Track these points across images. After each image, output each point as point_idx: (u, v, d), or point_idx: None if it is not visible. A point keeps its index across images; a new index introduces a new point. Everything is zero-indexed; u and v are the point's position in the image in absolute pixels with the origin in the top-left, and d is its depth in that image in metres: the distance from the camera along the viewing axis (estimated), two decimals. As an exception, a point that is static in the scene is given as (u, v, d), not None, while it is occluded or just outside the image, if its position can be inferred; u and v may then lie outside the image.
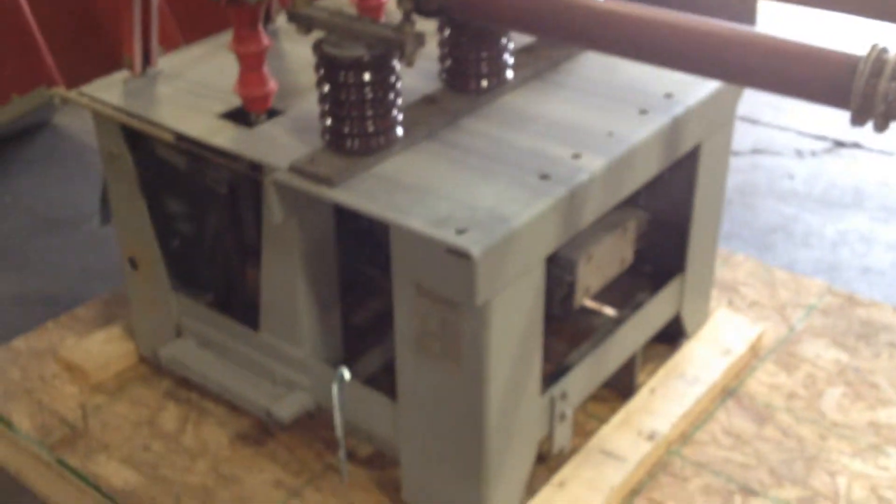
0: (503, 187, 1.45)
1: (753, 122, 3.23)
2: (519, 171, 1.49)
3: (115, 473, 1.72)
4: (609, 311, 1.89)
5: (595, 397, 1.79)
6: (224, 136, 1.59)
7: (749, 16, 1.57)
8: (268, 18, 1.95)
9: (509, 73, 1.69)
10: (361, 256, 1.84)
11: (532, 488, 1.61)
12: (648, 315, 1.81)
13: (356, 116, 1.49)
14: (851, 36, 1.29)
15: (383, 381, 1.70)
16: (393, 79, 1.49)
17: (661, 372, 1.86)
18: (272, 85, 1.61)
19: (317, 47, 1.48)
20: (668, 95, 1.68)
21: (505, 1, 1.45)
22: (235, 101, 1.65)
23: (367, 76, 1.46)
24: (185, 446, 1.77)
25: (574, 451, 1.69)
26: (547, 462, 1.67)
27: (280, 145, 1.56)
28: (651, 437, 1.71)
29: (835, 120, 3.19)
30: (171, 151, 1.72)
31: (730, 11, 1.43)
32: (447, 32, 1.65)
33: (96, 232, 2.17)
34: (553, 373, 1.64)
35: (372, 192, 1.44)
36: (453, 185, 1.45)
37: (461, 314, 1.40)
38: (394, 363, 1.56)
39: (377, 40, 1.45)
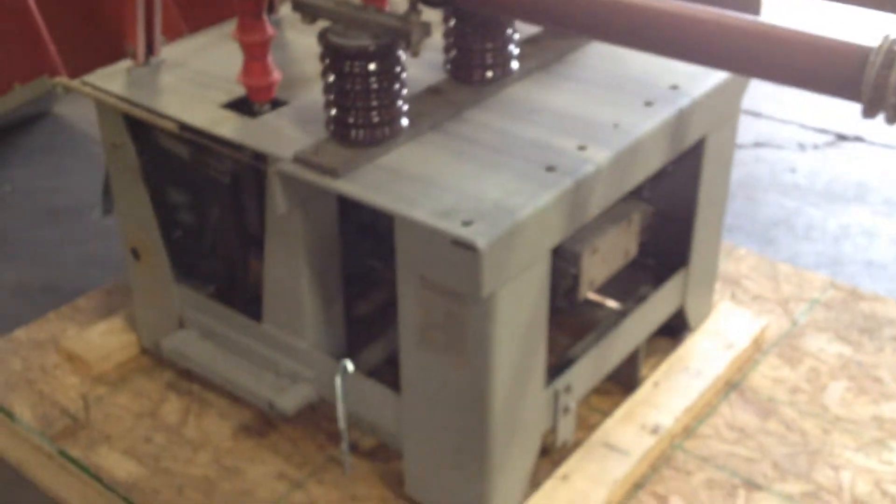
0: (508, 179, 1.44)
1: (755, 114, 3.22)
2: (524, 162, 1.48)
3: (117, 465, 1.72)
4: (611, 303, 1.88)
5: (598, 390, 1.79)
6: (228, 126, 1.58)
7: (754, 5, 1.57)
8: (271, 8, 1.94)
9: (514, 64, 1.68)
10: (363, 248, 1.83)
11: (535, 481, 1.61)
12: (652, 308, 1.81)
13: (361, 107, 1.48)
14: (861, 27, 1.28)
15: (386, 373, 1.69)
16: (398, 69, 1.48)
17: (665, 365, 1.86)
18: (276, 75, 1.60)
19: (322, 36, 1.47)
20: (674, 87, 1.67)
21: (511, -10, 1.44)
22: (238, 91, 1.64)
23: (372, 66, 1.45)
24: (188, 438, 1.77)
25: (577, 444, 1.68)
26: (550, 455, 1.67)
27: (284, 135, 1.55)
28: (654, 430, 1.71)
29: (837, 113, 3.19)
30: (174, 141, 1.71)
31: (735, 1, 1.42)
32: (452, 23, 1.64)
33: (97, 222, 2.16)
34: (557, 366, 1.63)
35: (377, 183, 1.44)
36: (458, 176, 1.45)
37: (466, 306, 1.40)
38: (397, 355, 1.55)
39: (383, 29, 1.44)
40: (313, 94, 1.63)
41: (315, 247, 1.62)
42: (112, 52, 1.93)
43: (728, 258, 2.22)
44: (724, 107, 1.76)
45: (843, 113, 3.21)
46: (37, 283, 2.49)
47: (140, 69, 1.75)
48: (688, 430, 1.77)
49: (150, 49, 1.76)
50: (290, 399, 1.67)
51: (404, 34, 1.43)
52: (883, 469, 1.70)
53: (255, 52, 1.58)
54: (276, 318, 1.70)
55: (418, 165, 1.47)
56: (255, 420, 1.80)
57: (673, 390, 1.80)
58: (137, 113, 1.65)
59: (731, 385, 1.88)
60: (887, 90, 1.12)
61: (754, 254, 2.27)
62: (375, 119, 1.49)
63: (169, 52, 1.82)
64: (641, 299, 1.79)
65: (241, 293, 1.79)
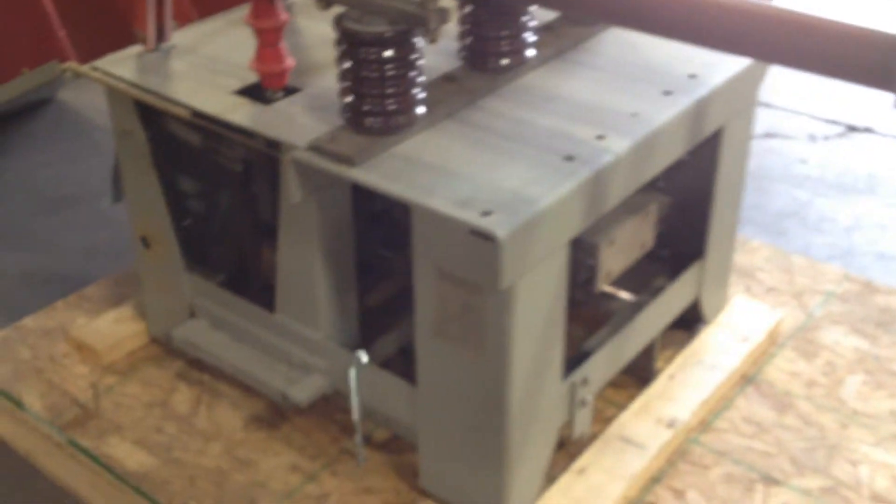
0: (527, 168, 1.42)
1: (766, 105, 3.19)
2: (542, 151, 1.46)
3: (128, 455, 1.70)
4: (625, 295, 1.86)
5: (613, 383, 1.77)
6: (241, 113, 1.55)
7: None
8: (283, -7, 1.91)
9: (530, 52, 1.66)
10: (376, 238, 1.81)
11: (550, 475, 1.59)
12: (668, 300, 1.79)
13: (377, 94, 1.45)
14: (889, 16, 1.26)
15: (399, 364, 1.67)
16: (415, 56, 1.46)
17: (680, 358, 1.84)
18: (290, 61, 1.58)
19: (338, 22, 1.44)
20: (692, 76, 1.65)
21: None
22: (250, 78, 1.61)
23: (389, 52, 1.43)
24: (199, 428, 1.75)
25: (593, 437, 1.67)
26: (565, 448, 1.65)
27: (298, 123, 1.52)
28: (671, 424, 1.69)
29: (847, 104, 3.17)
30: (185, 128, 1.69)
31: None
32: (468, 9, 1.61)
33: (103, 210, 2.13)
34: (574, 358, 1.61)
35: (393, 171, 1.41)
36: (476, 165, 1.42)
37: (484, 298, 1.38)
38: (410, 346, 1.53)
39: (400, 15, 1.41)
40: (326, 81, 1.61)
41: (329, 236, 1.60)
42: (119, 37, 1.90)
43: (742, 250, 2.20)
44: (742, 96, 1.74)
45: (854, 104, 3.20)
46: (42, 271, 2.47)
47: (150, 55, 1.73)
48: (704, 424, 1.75)
49: (161, 34, 1.73)
50: (304, 390, 1.65)
51: (421, 20, 1.40)
52: (901, 464, 1.69)
53: (269, 37, 1.55)
54: (289, 308, 1.68)
55: (434, 154, 1.45)
56: (266, 411, 1.78)
57: (688, 384, 1.78)
58: (149, 99, 1.63)
59: (747, 379, 1.86)
60: (920, 80, 1.10)
61: (768, 246, 2.25)
62: (391, 107, 1.46)
63: (179, 37, 1.79)
64: (657, 291, 1.77)
65: (252, 283, 1.77)
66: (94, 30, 2.65)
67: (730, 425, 1.76)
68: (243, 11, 1.61)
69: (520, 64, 1.64)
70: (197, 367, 1.88)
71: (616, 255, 1.62)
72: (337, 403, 1.71)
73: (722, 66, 1.66)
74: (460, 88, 1.59)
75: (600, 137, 1.49)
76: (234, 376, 1.76)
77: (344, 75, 1.47)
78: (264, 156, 1.59)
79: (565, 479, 1.59)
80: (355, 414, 1.57)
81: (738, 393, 1.83)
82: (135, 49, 1.74)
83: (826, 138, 3.05)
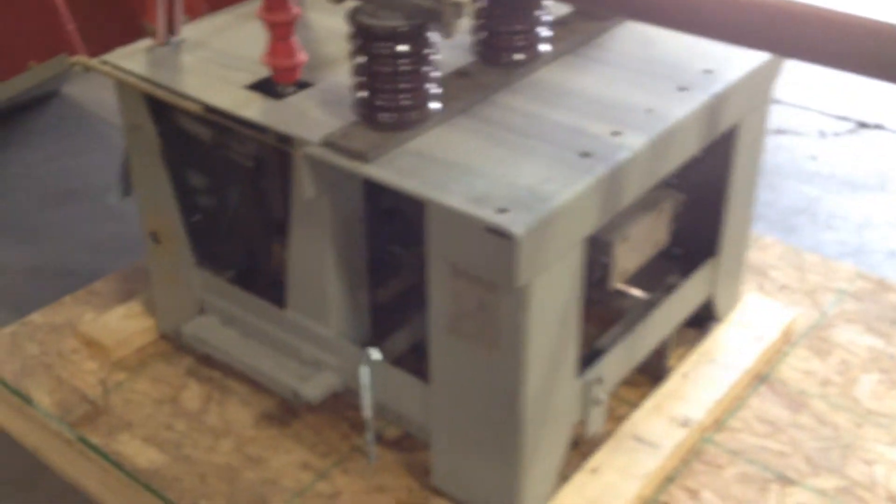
0: (542, 165, 1.40)
1: (776, 101, 3.17)
2: (558, 148, 1.44)
3: (138, 452, 1.69)
4: (637, 293, 1.85)
5: (625, 381, 1.76)
6: (253, 108, 1.54)
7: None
8: (294, -13, 1.90)
9: (544, 47, 1.64)
10: (388, 234, 1.80)
11: (563, 474, 1.58)
12: (682, 298, 1.77)
13: (391, 89, 1.44)
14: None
15: (411, 361, 1.66)
16: (429, 50, 1.44)
17: (693, 357, 1.83)
18: (302, 55, 1.56)
19: (352, 17, 1.43)
20: (708, 72, 1.63)
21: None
22: (261, 72, 1.60)
23: (403, 47, 1.41)
24: (209, 425, 1.74)
25: (606, 435, 1.65)
26: (578, 447, 1.63)
27: (311, 118, 1.51)
28: (685, 423, 1.68)
29: (858, 101, 3.15)
30: (196, 123, 1.67)
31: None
32: (481, 3, 1.60)
33: (109, 204, 2.12)
34: (587, 356, 1.60)
35: (407, 168, 1.40)
36: (491, 161, 1.41)
37: (500, 296, 1.36)
38: (421, 343, 1.52)
39: (414, 10, 1.40)
40: (338, 76, 1.60)
41: (341, 232, 1.58)
42: (129, 30, 1.89)
43: (754, 247, 2.18)
44: (757, 92, 1.72)
45: (865, 100, 3.18)
46: (49, 265, 2.46)
47: (161, 49, 1.71)
48: (718, 423, 1.74)
49: (171, 28, 1.72)
50: (315, 388, 1.64)
51: (436, 15, 1.38)
52: (916, 464, 1.67)
53: (281, 31, 1.54)
54: (300, 304, 1.66)
55: (449, 150, 1.44)
56: (277, 408, 1.77)
57: (702, 382, 1.77)
58: (160, 94, 1.61)
59: (761, 377, 1.84)
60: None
61: (780, 243, 2.23)
62: (405, 102, 1.45)
63: (189, 31, 1.77)
64: (671, 289, 1.76)
65: (263, 279, 1.75)
66: (103, 23, 2.63)
67: (744, 424, 1.74)
68: (254, 5, 1.60)
69: (534, 59, 1.63)
70: (207, 363, 1.86)
71: (630, 253, 1.60)
72: (348, 401, 1.70)
73: (737, 62, 1.64)
74: (474, 84, 1.58)
75: (616, 133, 1.47)
76: (245, 373, 1.75)
77: (357, 70, 1.45)
78: (276, 151, 1.58)
79: (579, 478, 1.58)
80: (367, 411, 1.55)
81: (752, 392, 1.81)
82: (144, 43, 1.73)
83: (836, 135, 3.04)
